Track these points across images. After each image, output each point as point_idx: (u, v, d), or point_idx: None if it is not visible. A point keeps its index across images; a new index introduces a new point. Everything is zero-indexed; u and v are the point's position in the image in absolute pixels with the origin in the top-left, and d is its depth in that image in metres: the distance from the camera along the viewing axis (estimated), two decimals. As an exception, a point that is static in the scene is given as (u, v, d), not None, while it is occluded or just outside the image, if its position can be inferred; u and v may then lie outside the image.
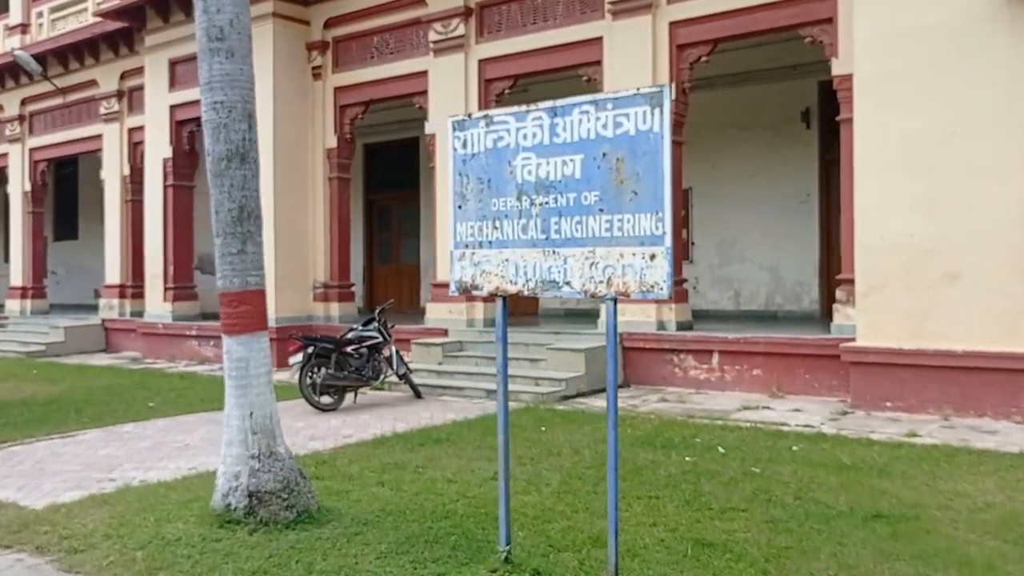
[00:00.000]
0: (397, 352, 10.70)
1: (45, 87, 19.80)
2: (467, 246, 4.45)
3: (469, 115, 4.45)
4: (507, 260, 4.26)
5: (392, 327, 11.13)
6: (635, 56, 11.48)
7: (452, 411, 9.75)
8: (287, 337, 14.27)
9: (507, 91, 13.02)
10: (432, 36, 13.41)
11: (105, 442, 8.28)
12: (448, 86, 13.24)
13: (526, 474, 6.60)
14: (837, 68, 10.08)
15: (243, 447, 5.31)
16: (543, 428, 8.49)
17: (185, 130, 16.12)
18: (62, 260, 24.52)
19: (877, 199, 9.03)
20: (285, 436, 8.56)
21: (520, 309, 15.65)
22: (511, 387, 10.73)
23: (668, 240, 3.76)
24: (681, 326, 11.18)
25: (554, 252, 4.08)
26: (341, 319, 14.73)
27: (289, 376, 9.95)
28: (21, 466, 7.31)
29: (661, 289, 3.80)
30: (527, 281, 4.19)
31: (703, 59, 11.25)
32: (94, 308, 23.31)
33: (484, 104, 13.00)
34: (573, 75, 13.18)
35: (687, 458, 6.98)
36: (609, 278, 3.91)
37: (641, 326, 11.23)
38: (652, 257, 3.79)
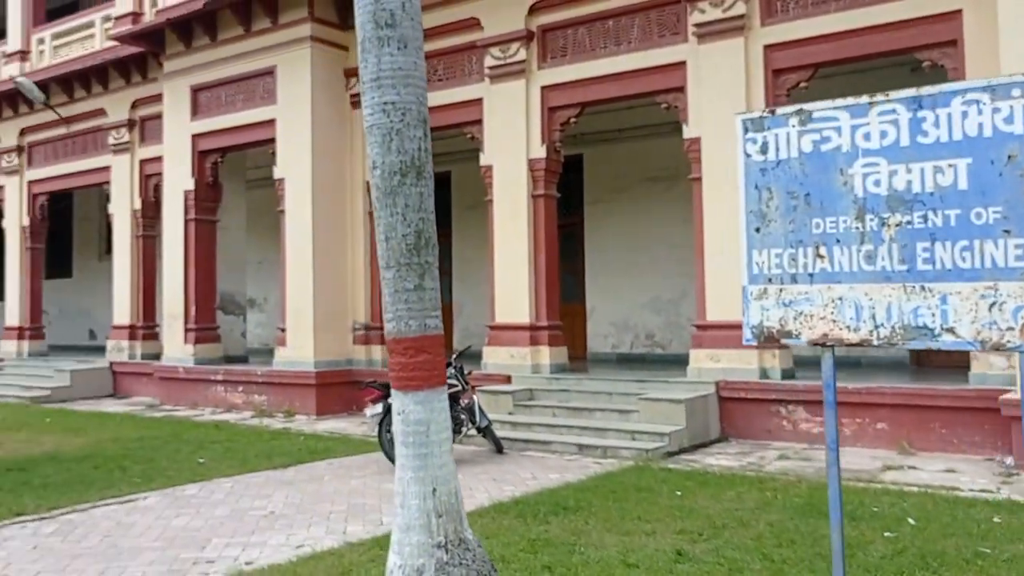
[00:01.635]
0: (478, 402, 9.63)
1: (45, 117, 18.65)
2: (770, 280, 3.45)
3: (771, 111, 3.48)
4: (840, 299, 3.27)
5: (469, 373, 10.07)
6: (725, 81, 10.64)
7: (551, 470, 8.66)
8: (327, 384, 13.25)
9: (573, 120, 12.13)
10: (489, 61, 12.52)
11: (174, 509, 7.10)
12: (506, 115, 12.32)
13: (711, 555, 5.54)
14: None
15: (426, 533, 4.22)
16: (678, 493, 7.44)
17: (208, 161, 15.03)
18: (54, 299, 23.10)
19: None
20: (378, 501, 7.48)
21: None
22: (604, 441, 9.76)
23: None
24: (785, 374, 10.21)
25: (923, 288, 3.09)
26: (383, 364, 13.60)
27: (370, 430, 8.82)
28: (88, 542, 6.13)
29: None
30: (876, 327, 3.20)
31: (802, 85, 10.43)
32: (89, 350, 22.03)
33: (547, 135, 12.10)
34: (649, 102, 12.41)
35: (886, 533, 5.97)
36: (1024, 323, 2.93)
37: (740, 374, 10.26)
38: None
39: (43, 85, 17.88)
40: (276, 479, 8.38)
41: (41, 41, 18.91)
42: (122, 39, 15.65)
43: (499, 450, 9.72)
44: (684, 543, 5.89)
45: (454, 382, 9.44)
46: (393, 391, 4.43)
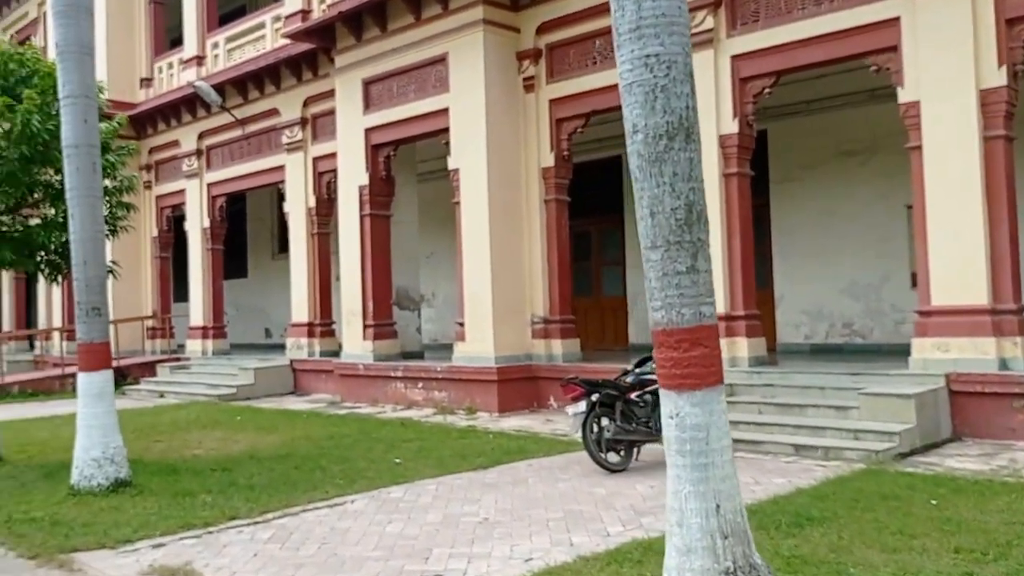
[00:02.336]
0: (683, 398, 8.92)
1: (221, 120, 19.14)
2: None
3: None
4: None
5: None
6: (949, 37, 9.48)
7: (773, 474, 7.86)
8: (508, 380, 12.84)
9: (768, 91, 11.21)
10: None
11: (384, 514, 6.76)
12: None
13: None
14: None
15: (710, 557, 3.60)
16: (932, 501, 6.53)
17: (381, 155, 14.90)
18: (231, 299, 23.80)
19: None
20: (594, 507, 6.92)
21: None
22: (823, 441, 8.76)
23: None
24: (1031, 363, 9.01)
25: None
26: (564, 358, 13.09)
27: (571, 429, 8.28)
28: (306, 550, 5.83)
29: None
30: None
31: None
32: (266, 348, 22.64)
33: (740, 108, 11.23)
34: (843, 69, 11.38)
35: None
36: None
37: (975, 365, 9.13)
38: None
39: (219, 88, 18.32)
40: (479, 481, 7.96)
41: (215, 45, 19.43)
42: (294, 36, 15.75)
43: (707, 450, 8.98)
44: (970, 564, 5.05)
45: (655, 376, 8.77)
46: (663, 392, 3.82)
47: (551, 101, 13.27)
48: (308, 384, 16.97)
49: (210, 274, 19.72)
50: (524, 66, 13.43)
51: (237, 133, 18.96)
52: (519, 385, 12.97)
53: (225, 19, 20.45)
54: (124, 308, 21.48)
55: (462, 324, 13.34)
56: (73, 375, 19.44)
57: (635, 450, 8.43)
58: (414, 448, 9.83)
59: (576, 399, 8.27)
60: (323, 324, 17.22)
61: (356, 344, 15.02)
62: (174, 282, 22.15)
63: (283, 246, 24.49)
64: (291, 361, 17.32)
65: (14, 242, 9.68)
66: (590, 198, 17.43)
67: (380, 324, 14.90)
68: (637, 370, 8.84)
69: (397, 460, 9.11)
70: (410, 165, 16.03)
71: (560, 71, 13.21)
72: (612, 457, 8.21)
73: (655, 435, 8.42)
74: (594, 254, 17.48)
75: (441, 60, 13.67)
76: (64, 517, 6.90)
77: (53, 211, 10.03)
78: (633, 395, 8.47)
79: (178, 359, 19.94)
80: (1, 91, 9.01)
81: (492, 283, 12.87)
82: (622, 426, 8.17)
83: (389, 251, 15.14)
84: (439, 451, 9.58)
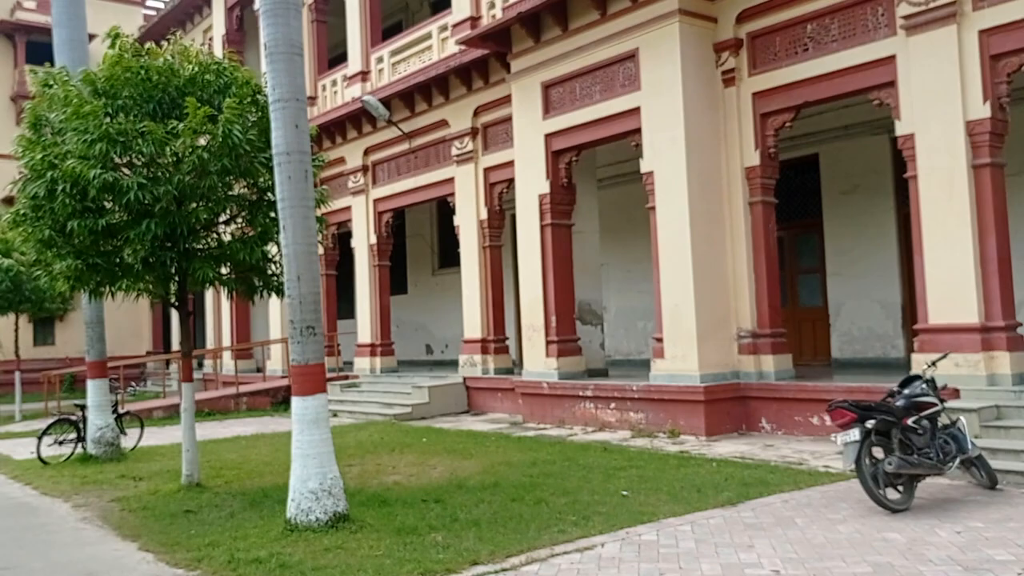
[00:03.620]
0: (964, 425, 7.63)
1: (387, 135, 18.82)
2: None
3: None
4: None
5: (943, 388, 8.10)
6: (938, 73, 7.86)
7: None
8: (715, 400, 11.73)
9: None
10: (904, 10, 10.42)
11: (648, 562, 5.80)
12: (931, 74, 10.14)
13: None
14: None
15: None
16: None
17: (562, 161, 14.07)
18: (392, 315, 23.56)
19: None
20: (899, 558, 5.76)
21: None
22: None
23: None
24: None
25: None
26: (777, 376, 11.86)
27: (844, 462, 7.11)
28: (580, 610, 4.94)
29: None
30: None
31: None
32: (429, 364, 22.22)
33: (992, 92, 9.80)
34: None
35: None
36: None
37: None
38: None
39: (385, 102, 17.98)
40: (736, 520, 6.91)
41: (379, 60, 19.15)
42: (468, 43, 15.17)
43: (992, 484, 7.65)
44: None
45: (931, 399, 7.53)
46: None
47: (754, 95, 12.11)
48: (483, 403, 16.29)
49: (377, 291, 19.41)
50: (723, 58, 12.34)
51: (403, 147, 18.59)
52: (727, 406, 11.82)
53: (385, 34, 20.20)
54: (291, 326, 21.48)
55: (659, 340, 12.30)
56: (246, 395, 19.64)
57: (915, 485, 7.20)
58: (633, 478, 8.86)
59: (845, 426, 7.11)
60: (497, 340, 16.54)
61: (538, 361, 14.20)
62: (337, 299, 22.03)
63: (444, 261, 24.19)
64: (464, 379, 16.69)
65: (212, 259, 9.28)
66: (782, 201, 16.12)
67: (564, 340, 14.03)
68: (905, 391, 7.59)
69: (624, 492, 8.16)
70: (590, 171, 15.17)
71: (764, 61, 12.04)
72: (891, 494, 7.01)
73: (940, 467, 7.18)
74: (788, 261, 16.11)
75: (630, 57, 12.73)
76: (289, 559, 6.26)
77: (244, 226, 9.61)
78: (909, 421, 7.25)
79: (346, 377, 19.67)
80: (199, 103, 8.60)
81: (696, 294, 11.80)
82: (904, 458, 6.96)
83: (571, 262, 14.28)
84: (664, 482, 8.57)
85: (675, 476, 8.91)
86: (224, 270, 9.62)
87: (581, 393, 13.34)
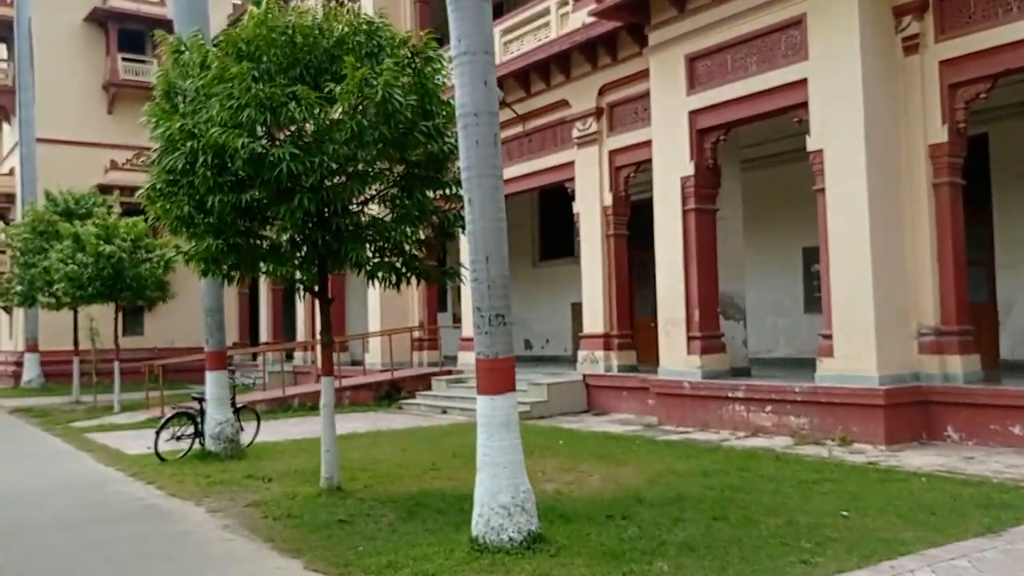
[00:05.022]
0: None
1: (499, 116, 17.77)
2: None
3: None
4: None
5: None
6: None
7: None
8: (895, 404, 10.47)
9: None
10: None
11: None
12: None
13: None
14: None
15: None
16: None
17: (708, 140, 12.89)
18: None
19: None
20: None
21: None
22: None
23: None
24: None
25: None
26: (965, 378, 10.56)
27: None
28: None
29: None
30: None
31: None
32: (529, 360, 21.16)
33: None
34: None
35: None
36: None
37: None
38: None
39: (498, 83, 16.95)
40: (1017, 554, 5.72)
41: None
42: (601, 15, 14.05)
43: None
44: None
45: None
46: None
47: (941, 63, 10.80)
48: (604, 402, 15.20)
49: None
50: (904, 23, 11.04)
51: (517, 130, 17.57)
52: (907, 411, 10.56)
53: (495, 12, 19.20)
54: (389, 318, 20.71)
55: (828, 336, 11.07)
56: (348, 389, 18.82)
57: None
58: (837, 494, 7.72)
59: None
60: (620, 336, 15.43)
61: (677, 358, 13.06)
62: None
63: (545, 252, 23.16)
64: (584, 376, 15.63)
65: (361, 240, 8.32)
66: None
67: (708, 336, 12.87)
68: None
69: (844, 512, 7.01)
70: (734, 152, 13.93)
71: (955, 25, 10.71)
72: None
73: None
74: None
75: (795, 24, 11.49)
76: (494, 589, 5.28)
77: (396, 205, 8.62)
78: None
79: (450, 372, 18.76)
80: (351, 67, 7.65)
81: (874, 286, 10.55)
82: None
83: (715, 252, 13.10)
84: (878, 501, 7.41)
85: (885, 493, 7.73)
86: (368, 252, 8.67)
87: (731, 394, 12.16)
